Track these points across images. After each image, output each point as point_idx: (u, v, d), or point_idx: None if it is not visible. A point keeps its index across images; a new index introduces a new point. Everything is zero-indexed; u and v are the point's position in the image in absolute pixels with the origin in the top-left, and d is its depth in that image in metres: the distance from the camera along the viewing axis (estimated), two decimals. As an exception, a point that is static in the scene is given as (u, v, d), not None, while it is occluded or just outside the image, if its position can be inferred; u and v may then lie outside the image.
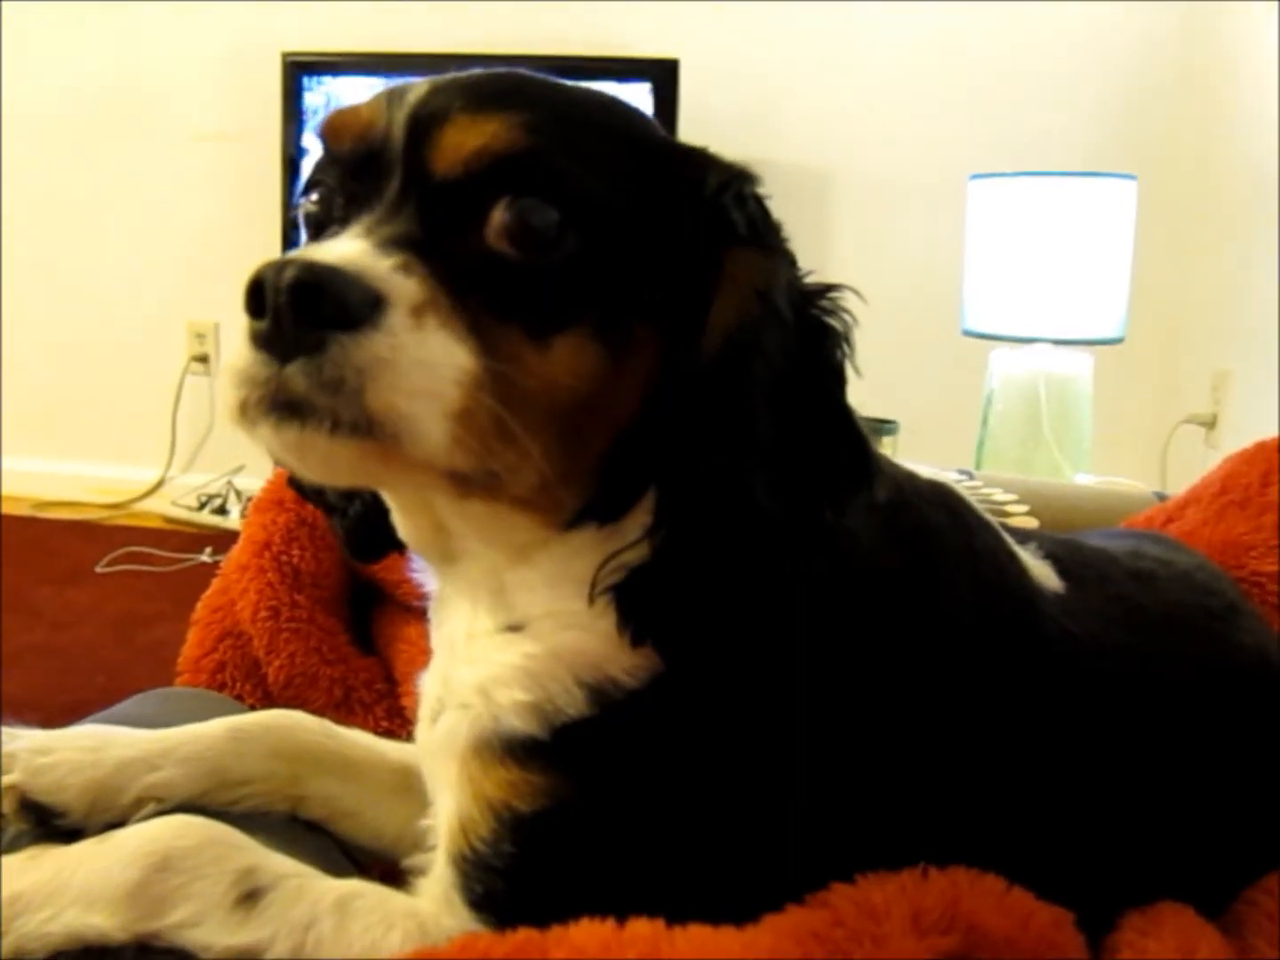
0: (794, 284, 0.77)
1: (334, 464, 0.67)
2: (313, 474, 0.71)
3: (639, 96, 3.63)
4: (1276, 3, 2.98)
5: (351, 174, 0.75)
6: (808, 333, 0.76)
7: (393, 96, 0.75)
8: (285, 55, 3.85)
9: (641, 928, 0.68)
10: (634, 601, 0.74)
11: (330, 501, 0.94)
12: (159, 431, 4.35)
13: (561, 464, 0.73)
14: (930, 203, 3.60)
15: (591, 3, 3.92)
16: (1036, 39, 3.70)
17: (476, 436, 0.67)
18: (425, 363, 0.65)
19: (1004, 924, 0.71)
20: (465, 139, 0.70)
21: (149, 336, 4.38)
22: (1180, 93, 3.60)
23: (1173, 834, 0.89)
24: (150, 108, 4.31)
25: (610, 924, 0.68)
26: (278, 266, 0.63)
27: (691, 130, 3.49)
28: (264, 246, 3.64)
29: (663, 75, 3.63)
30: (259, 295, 0.64)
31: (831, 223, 3.88)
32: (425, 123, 0.72)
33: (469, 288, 0.68)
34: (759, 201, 0.78)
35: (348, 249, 0.67)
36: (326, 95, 3.83)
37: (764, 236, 0.76)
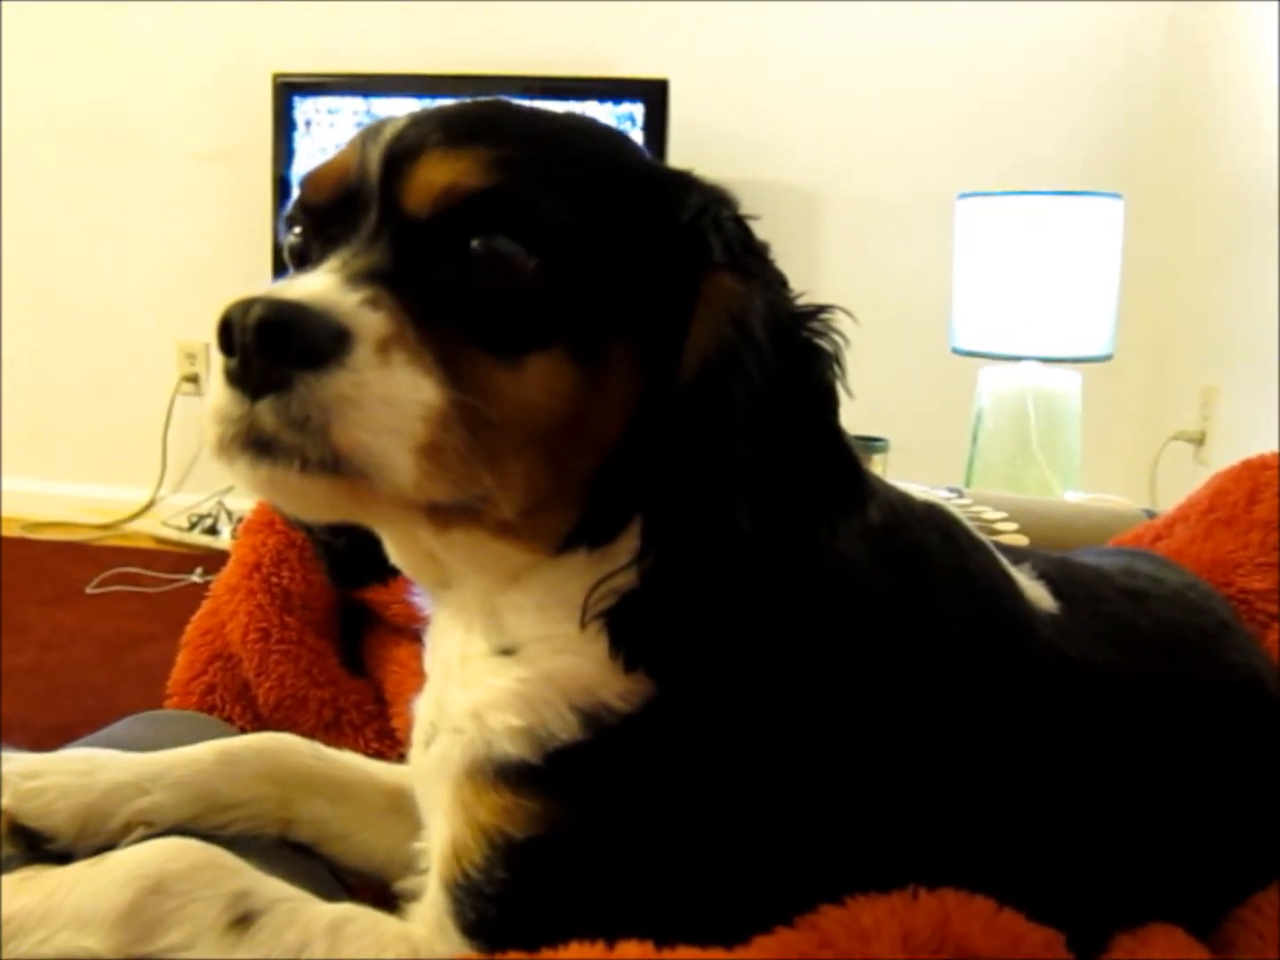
0: (777, 307, 0.77)
1: (308, 501, 0.69)
2: (291, 510, 0.73)
3: (630, 117, 3.65)
4: (1277, 23, 3.00)
5: (330, 215, 0.76)
6: (796, 355, 0.76)
7: (369, 133, 0.76)
8: (276, 75, 3.85)
9: (631, 950, 0.68)
10: (625, 627, 0.74)
11: (317, 528, 0.95)
12: (149, 451, 4.34)
13: (547, 487, 0.74)
14: (919, 222, 3.62)
15: (581, 23, 3.93)
16: (1024, 60, 3.72)
17: (447, 469, 0.67)
18: (390, 400, 0.65)
19: (994, 945, 0.71)
20: (436, 176, 0.71)
21: (140, 356, 4.38)
22: (1165, 113, 3.62)
23: (1164, 854, 0.89)
24: (141, 128, 4.31)
25: (600, 947, 0.68)
26: (244, 305, 0.64)
27: (682, 150, 3.51)
28: (255, 266, 3.65)
29: (653, 96, 3.64)
30: (229, 333, 0.64)
31: (821, 242, 3.89)
32: (399, 159, 0.73)
33: (439, 318, 0.69)
34: (739, 224, 0.79)
35: (315, 285, 0.68)
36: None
37: (740, 260, 0.76)
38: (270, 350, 0.64)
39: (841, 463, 0.77)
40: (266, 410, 0.64)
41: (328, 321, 0.65)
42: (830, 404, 0.77)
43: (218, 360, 0.66)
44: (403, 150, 0.73)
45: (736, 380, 0.73)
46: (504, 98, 0.80)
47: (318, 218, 0.77)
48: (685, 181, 0.80)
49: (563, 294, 0.72)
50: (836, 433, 0.77)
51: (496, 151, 0.72)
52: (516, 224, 0.71)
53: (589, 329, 0.73)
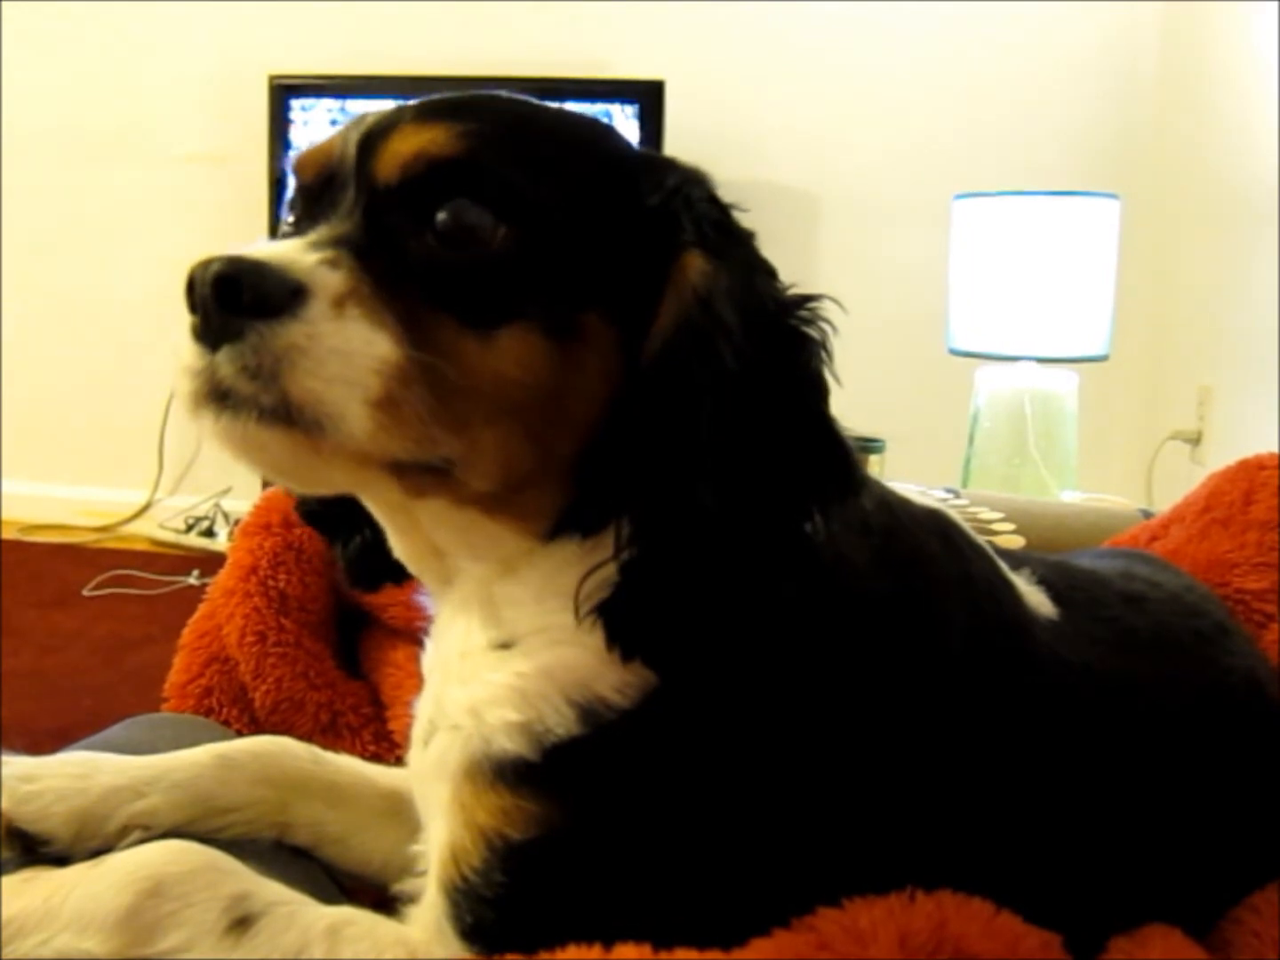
0: (755, 289, 0.76)
1: (269, 454, 0.69)
2: (255, 466, 0.73)
3: (625, 118, 3.65)
4: (1276, 22, 3.00)
5: (315, 196, 0.78)
6: (779, 340, 0.75)
7: (355, 121, 0.79)
8: (272, 77, 3.86)
9: (628, 952, 0.68)
10: (619, 618, 0.74)
11: (331, 530, 0.96)
12: (146, 454, 4.34)
13: (525, 461, 0.75)
14: (915, 223, 3.62)
15: (578, 25, 3.93)
16: (1019, 61, 3.72)
17: (403, 425, 0.68)
18: (341, 351, 0.67)
19: (992, 947, 0.71)
20: (405, 146, 0.73)
21: (136, 358, 4.36)
22: (1161, 113, 3.63)
23: (1162, 855, 0.89)
24: (137, 130, 4.31)
25: (597, 949, 0.68)
26: (205, 262, 0.67)
27: (677, 151, 3.46)
28: (251, 268, 3.64)
29: (648, 97, 3.64)
30: (192, 291, 0.67)
31: (817, 243, 3.90)
32: (374, 136, 0.75)
33: (405, 282, 0.71)
34: (714, 204, 0.79)
35: (277, 246, 0.70)
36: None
37: (709, 240, 0.76)
38: (226, 303, 0.66)
39: (829, 448, 0.77)
40: (224, 360, 0.67)
41: (283, 276, 0.67)
42: (816, 390, 0.76)
43: (186, 320, 0.69)
44: (378, 130, 0.75)
45: (700, 359, 0.72)
46: (500, 92, 0.81)
47: (305, 199, 0.79)
48: (662, 164, 0.81)
49: (531, 265, 0.73)
50: (824, 418, 0.77)
51: (467, 125, 0.74)
52: (484, 191, 0.72)
53: (561, 303, 0.74)
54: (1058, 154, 3.67)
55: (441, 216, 0.72)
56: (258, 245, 0.70)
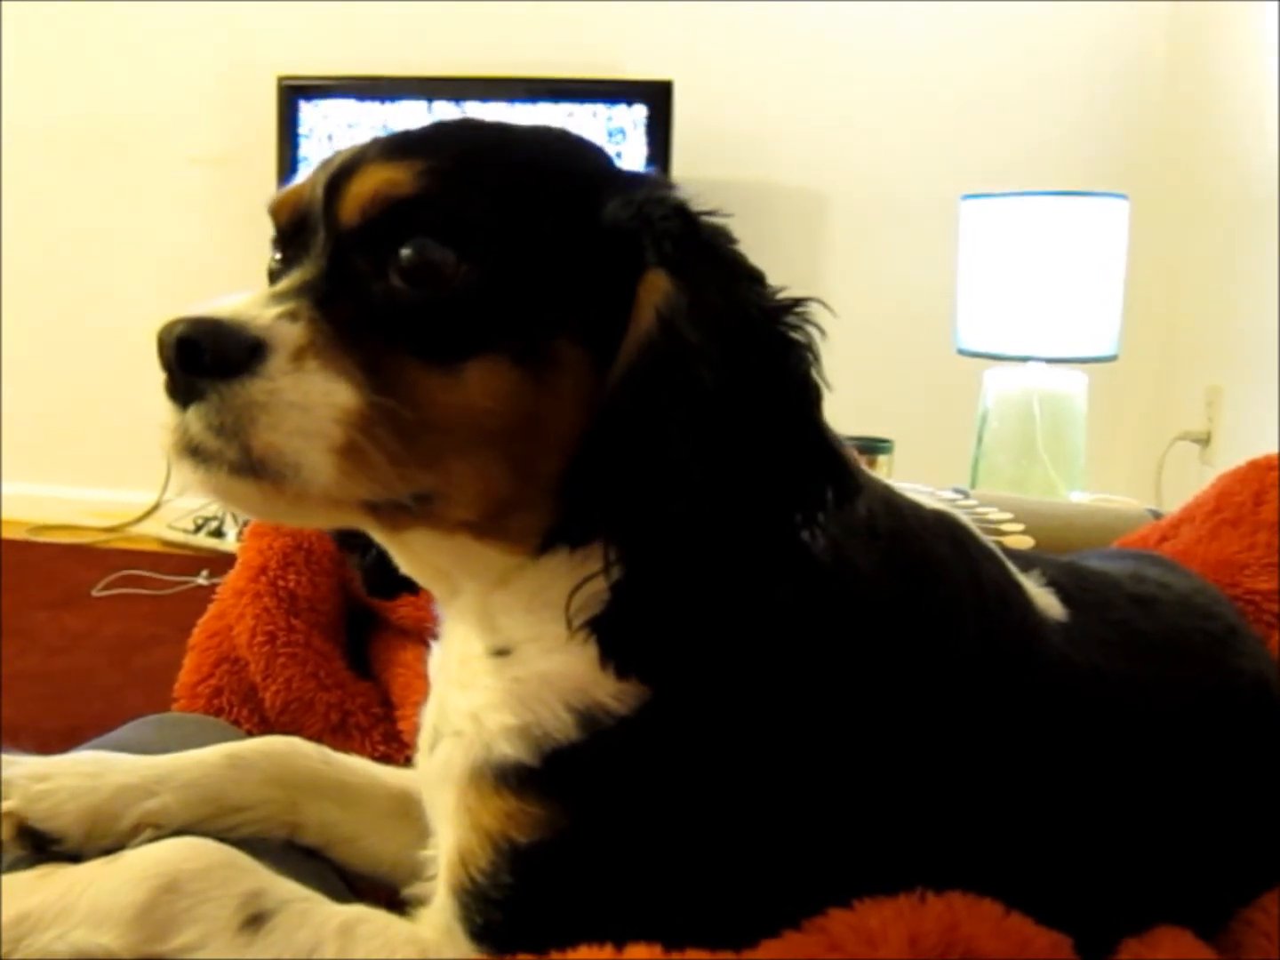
0: (734, 299, 0.75)
1: (245, 502, 0.72)
2: (234, 511, 0.75)
3: (634, 118, 3.65)
4: (1277, 21, 3.00)
5: (289, 239, 0.80)
6: (766, 349, 0.75)
7: (324, 163, 0.79)
8: (280, 78, 3.87)
9: (639, 952, 0.68)
10: (612, 636, 0.74)
11: (347, 541, 0.97)
12: (155, 454, 4.26)
13: (508, 487, 0.75)
14: (923, 223, 3.62)
15: (586, 26, 3.93)
16: (1027, 61, 3.72)
17: (368, 469, 0.70)
18: (301, 404, 0.68)
19: (1002, 948, 0.71)
20: (365, 187, 0.74)
21: (143, 359, 4.33)
22: (1169, 112, 3.63)
23: (1172, 857, 0.89)
24: (145, 132, 4.32)
25: (609, 950, 0.68)
26: (170, 324, 0.69)
27: (685, 152, 3.51)
28: (258, 270, 3.61)
29: (657, 97, 3.64)
30: (162, 351, 0.70)
31: (825, 243, 3.89)
32: (339, 178, 0.76)
33: (367, 326, 0.72)
34: (680, 218, 0.77)
35: (238, 301, 0.72)
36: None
37: (670, 258, 0.75)
38: (189, 364, 0.69)
39: (821, 453, 0.76)
40: (193, 419, 0.69)
41: (241, 335, 0.69)
42: (805, 396, 0.76)
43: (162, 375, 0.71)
44: (344, 170, 0.76)
45: (665, 381, 0.72)
46: (476, 117, 0.82)
47: (282, 242, 0.81)
48: (630, 180, 0.80)
49: (494, 298, 0.73)
50: (813, 424, 0.76)
51: (428, 162, 0.74)
52: (443, 229, 0.72)
53: (530, 332, 0.74)
54: (1066, 154, 3.67)
55: (404, 255, 0.73)
56: (221, 302, 0.72)
